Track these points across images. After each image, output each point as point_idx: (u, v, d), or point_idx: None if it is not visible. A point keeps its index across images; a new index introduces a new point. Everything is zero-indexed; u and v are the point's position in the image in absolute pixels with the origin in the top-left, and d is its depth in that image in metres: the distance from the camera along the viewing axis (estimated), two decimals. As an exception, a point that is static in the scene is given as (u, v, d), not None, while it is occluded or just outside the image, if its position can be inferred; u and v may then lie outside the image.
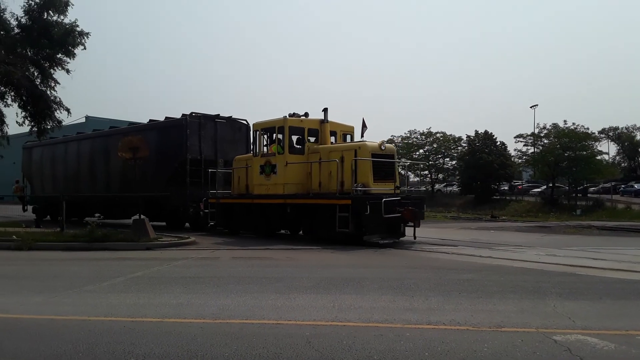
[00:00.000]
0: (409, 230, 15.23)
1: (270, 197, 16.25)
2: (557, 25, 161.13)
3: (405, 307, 6.73)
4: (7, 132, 20.74)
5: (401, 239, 15.47)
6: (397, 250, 13.90)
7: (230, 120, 20.82)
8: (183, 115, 19.70)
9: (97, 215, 23.17)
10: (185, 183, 19.02)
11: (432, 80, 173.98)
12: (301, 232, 16.66)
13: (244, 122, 20.86)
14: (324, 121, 16.25)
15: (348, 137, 17.14)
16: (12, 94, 18.95)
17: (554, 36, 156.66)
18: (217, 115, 19.92)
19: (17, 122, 19.60)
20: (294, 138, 16.43)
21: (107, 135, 23.19)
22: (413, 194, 16.56)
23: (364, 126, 16.45)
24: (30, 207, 27.49)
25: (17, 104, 19.13)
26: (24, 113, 19.26)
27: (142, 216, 15.59)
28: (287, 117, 16.04)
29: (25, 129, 20.50)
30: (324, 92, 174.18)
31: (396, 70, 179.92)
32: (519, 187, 55.87)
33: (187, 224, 19.37)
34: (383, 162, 14.96)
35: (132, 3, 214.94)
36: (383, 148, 15.05)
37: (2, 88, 18.71)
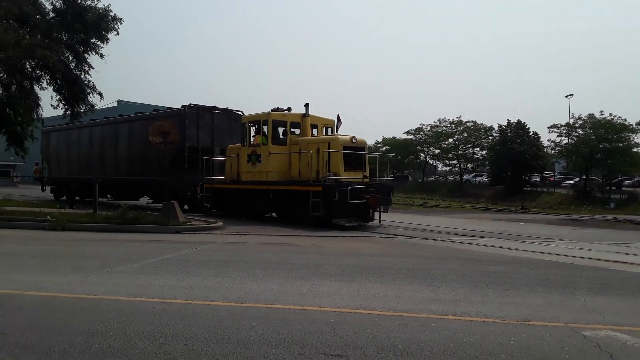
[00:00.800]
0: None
1: (256, 184, 17.79)
2: (596, 14, 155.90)
3: (431, 297, 6.70)
4: (42, 114, 21.27)
5: (370, 223, 16.97)
6: (423, 241, 13.83)
7: (227, 111, 22.04)
8: (182, 106, 20.93)
9: (108, 196, 24.88)
10: (184, 169, 20.46)
11: (466, 70, 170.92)
12: (274, 214, 18.55)
13: (240, 113, 21.72)
14: (305, 115, 17.71)
15: (329, 129, 18.31)
16: (48, 77, 19.38)
17: (590, 26, 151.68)
18: (214, 107, 21.09)
19: (51, 105, 20.06)
20: (281, 130, 17.92)
21: (116, 123, 24.63)
22: (382, 182, 17.80)
23: (338, 121, 17.94)
24: (48, 188, 29.86)
25: (52, 87, 19.56)
26: (58, 96, 19.69)
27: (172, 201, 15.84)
28: (271, 111, 17.54)
29: (59, 112, 21.00)
30: (352, 83, 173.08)
31: (429, 62, 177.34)
32: (551, 178, 54.63)
33: (185, 206, 20.54)
34: (353, 153, 16.45)
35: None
36: (354, 141, 16.54)
37: (38, 72, 19.15)
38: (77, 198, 25.53)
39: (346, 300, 6.37)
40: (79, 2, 18.74)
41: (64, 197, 27.33)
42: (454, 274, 8.45)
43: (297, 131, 17.77)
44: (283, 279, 7.77)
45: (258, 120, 18.04)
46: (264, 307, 6.01)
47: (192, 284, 7.28)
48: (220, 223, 16.12)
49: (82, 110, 20.25)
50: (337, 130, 17.98)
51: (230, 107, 22.14)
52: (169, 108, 22.50)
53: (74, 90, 19.44)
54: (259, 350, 4.48)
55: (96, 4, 18.97)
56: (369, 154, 17.94)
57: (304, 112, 17.76)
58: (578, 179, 48.82)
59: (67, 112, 20.39)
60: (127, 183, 23.01)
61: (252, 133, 18.28)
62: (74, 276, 7.63)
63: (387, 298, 6.59)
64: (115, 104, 59.51)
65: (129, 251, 10.62)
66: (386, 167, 19.04)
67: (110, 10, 19.14)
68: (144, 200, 23.56)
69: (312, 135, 17.88)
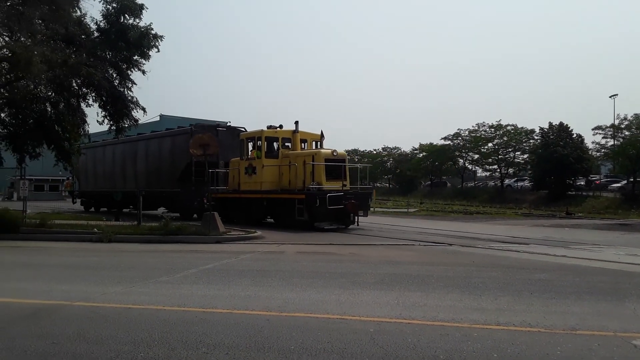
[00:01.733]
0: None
1: (252, 193, 20.01)
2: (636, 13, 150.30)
3: (472, 306, 6.57)
4: (88, 130, 22.08)
5: (351, 226, 18.82)
6: (464, 249, 13.60)
7: (230, 128, 24.17)
8: (190, 125, 23.86)
9: (130, 207, 27.61)
10: (192, 181, 22.39)
11: (506, 71, 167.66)
12: (271, 219, 20.64)
13: (243, 129, 23.45)
14: (295, 131, 19.88)
15: (318, 143, 20.50)
16: (93, 94, 20.10)
17: (633, 24, 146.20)
18: (218, 125, 23.77)
19: (97, 121, 20.76)
20: (275, 145, 20.15)
21: (135, 141, 27.04)
22: (363, 190, 19.86)
23: (322, 137, 20.32)
24: (78, 200, 33.49)
25: (97, 104, 20.26)
26: (103, 113, 20.38)
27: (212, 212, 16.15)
28: (264, 129, 20.00)
29: (104, 127, 21.74)
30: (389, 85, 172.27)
31: (465, 63, 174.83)
32: (597, 182, 52.68)
33: (195, 215, 22.16)
34: (334, 165, 18.53)
35: (202, 6, 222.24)
36: (335, 154, 18.82)
37: (84, 89, 19.90)
38: (105, 209, 29.17)
39: (385, 310, 6.34)
40: (122, 21, 19.39)
41: (92, 209, 30.70)
42: (496, 282, 8.28)
43: (290, 145, 20.10)
44: (322, 288, 7.79)
45: (254, 137, 20.37)
46: (303, 316, 6.04)
47: (233, 293, 7.39)
48: (259, 233, 16.33)
49: (126, 125, 20.88)
50: (320, 145, 20.19)
51: (233, 124, 24.50)
52: (179, 127, 25.28)
53: (119, 106, 20.07)
54: (299, 359, 4.51)
55: (138, 23, 19.60)
56: (349, 165, 19.93)
57: (294, 128, 19.85)
58: (625, 181, 46.88)
59: (112, 128, 21.08)
60: (153, 195, 24.35)
61: (250, 148, 20.56)
62: (120, 286, 7.87)
63: (428, 307, 6.51)
64: (158, 119, 61.37)
65: (172, 262, 10.88)
66: (365, 176, 21.55)
67: (152, 29, 19.69)
68: (161, 210, 25.66)
69: (303, 148, 19.92)
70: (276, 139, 19.96)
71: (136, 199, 24.78)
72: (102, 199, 30.50)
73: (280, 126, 20.17)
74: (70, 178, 35.02)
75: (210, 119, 62.56)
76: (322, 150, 19.14)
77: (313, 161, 18.11)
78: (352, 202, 17.72)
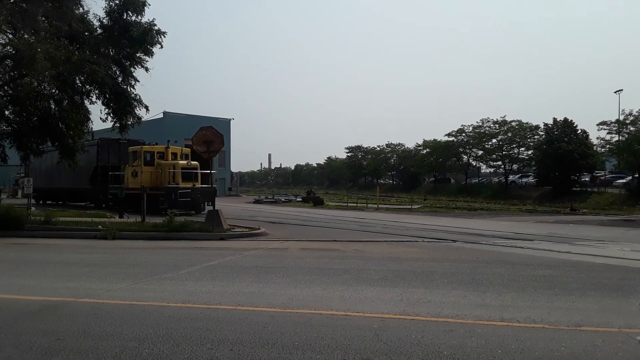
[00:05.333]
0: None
1: (136, 189, 25.01)
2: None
3: (476, 302, 6.57)
4: (92, 127, 22.09)
5: (202, 212, 24.88)
6: (468, 245, 13.59)
7: (130, 140, 29.69)
8: (98, 139, 29.48)
9: (60, 202, 36.25)
10: (97, 181, 30.49)
11: (510, 65, 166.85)
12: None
13: (142, 141, 30.73)
14: (167, 147, 27.85)
15: (187, 155, 27.81)
16: (97, 91, 20.12)
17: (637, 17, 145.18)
18: (120, 139, 27.97)
19: (100, 118, 20.79)
20: (153, 155, 27.46)
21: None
22: (209, 188, 24.58)
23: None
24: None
25: (100, 101, 20.28)
26: (107, 110, 20.40)
27: (215, 207, 16.19)
28: (144, 146, 28.49)
29: (108, 124, 21.73)
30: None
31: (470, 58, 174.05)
32: (602, 178, 52.44)
33: (103, 205, 29.80)
34: (188, 172, 26.33)
35: (205, 2, 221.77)
36: (189, 164, 26.76)
37: (87, 86, 19.91)
38: (49, 201, 36.79)
39: (389, 306, 6.33)
40: (125, 18, 19.37)
41: (41, 201, 37.43)
42: (500, 279, 8.26)
43: (170, 156, 27.74)
44: (325, 284, 7.79)
45: (137, 151, 27.65)
46: (307, 312, 6.05)
47: (237, 289, 7.41)
48: (262, 229, 16.37)
49: (129, 123, 20.90)
50: (189, 158, 27.56)
51: (133, 138, 29.49)
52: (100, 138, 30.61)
53: (122, 104, 20.08)
54: (303, 355, 4.52)
55: (140, 19, 19.58)
56: (200, 172, 26.91)
57: (167, 145, 27.93)
58: (630, 177, 46.64)
59: (115, 125, 21.11)
60: (72, 190, 34.28)
61: (135, 158, 27.53)
62: (125, 283, 7.90)
63: (432, 303, 6.51)
64: (161, 115, 61.36)
65: (176, 258, 10.90)
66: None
67: (155, 25, 19.68)
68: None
69: (174, 160, 27.46)
70: (152, 153, 27.57)
71: (68, 193, 34.97)
72: (48, 193, 37.69)
73: (156, 143, 29.05)
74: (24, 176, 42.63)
75: (213, 115, 62.71)
76: (179, 161, 27.13)
77: (174, 169, 26.21)
78: (198, 196, 25.71)
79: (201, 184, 26.52)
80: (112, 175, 29.06)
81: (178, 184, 25.58)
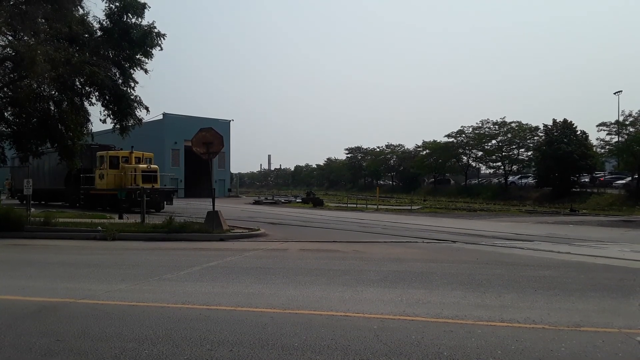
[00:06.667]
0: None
1: (103, 190, 30.01)
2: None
3: (476, 303, 6.56)
4: (91, 129, 22.07)
5: (162, 210, 28.30)
6: (467, 246, 13.59)
7: (102, 145, 32.50)
8: None
9: (43, 202, 38.32)
10: (71, 182, 33.10)
11: (510, 66, 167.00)
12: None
13: (112, 146, 32.90)
14: (131, 152, 30.68)
15: (150, 159, 31.91)
16: (97, 93, 20.11)
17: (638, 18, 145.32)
18: (91, 144, 29.41)
19: (100, 120, 20.79)
20: (119, 159, 30.46)
21: (45, 154, 32.33)
22: (167, 189, 29.76)
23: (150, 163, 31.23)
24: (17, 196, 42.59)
25: (100, 102, 20.26)
26: (107, 112, 20.39)
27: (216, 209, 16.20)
28: (110, 151, 31.02)
29: (108, 126, 21.75)
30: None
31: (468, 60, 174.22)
32: (601, 178, 52.44)
33: (77, 204, 32.87)
34: (148, 174, 29.67)
35: (205, 4, 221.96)
36: (149, 168, 30.31)
37: (87, 88, 19.90)
38: (43, 202, 38.35)
39: (389, 307, 6.33)
40: (125, 20, 19.36)
41: (25, 202, 39.54)
42: (500, 279, 8.27)
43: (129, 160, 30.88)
44: (325, 285, 7.79)
45: (103, 155, 30.64)
46: (307, 313, 6.04)
47: (237, 290, 7.41)
48: (262, 230, 16.36)
49: (130, 124, 20.88)
50: (151, 164, 31.54)
51: (104, 144, 32.61)
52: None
53: (122, 106, 20.06)
54: (303, 356, 4.52)
55: (140, 22, 19.56)
56: (160, 174, 31.27)
57: (130, 150, 30.62)
58: (630, 178, 46.66)
59: (116, 127, 21.10)
60: (50, 191, 37.04)
61: (102, 161, 30.51)
62: (124, 284, 7.90)
63: (431, 304, 6.51)
64: (161, 117, 61.34)
65: (176, 259, 10.90)
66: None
67: (155, 27, 19.66)
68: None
69: (137, 163, 30.49)
70: (117, 157, 30.54)
71: (48, 193, 37.43)
72: (32, 194, 39.04)
73: (121, 149, 31.38)
74: (9, 179, 46.15)
75: (212, 117, 62.66)
76: (140, 165, 30.36)
77: (135, 172, 29.43)
78: (156, 196, 28.54)
79: (159, 186, 30.73)
80: (84, 177, 32.12)
81: (139, 185, 28.32)
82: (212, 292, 7.30)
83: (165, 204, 29.90)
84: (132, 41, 19.44)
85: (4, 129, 20.48)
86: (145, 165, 30.34)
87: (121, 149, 31.64)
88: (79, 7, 18.70)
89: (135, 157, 30.96)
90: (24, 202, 38.58)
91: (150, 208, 26.71)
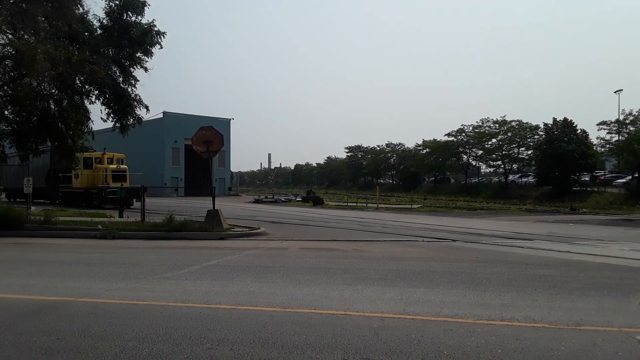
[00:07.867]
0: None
1: (78, 189, 33.15)
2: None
3: (476, 302, 6.57)
4: (92, 127, 22.07)
5: (131, 207, 30.08)
6: (467, 244, 13.59)
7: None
8: (50, 145, 32.14)
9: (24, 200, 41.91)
10: (50, 181, 35.52)
11: (509, 66, 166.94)
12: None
13: (91, 149, 33.38)
14: (104, 153, 33.68)
15: (122, 160, 34.96)
16: (96, 92, 20.11)
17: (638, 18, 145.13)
18: None
19: (101, 118, 20.81)
20: (93, 160, 33.37)
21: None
22: (135, 188, 28.99)
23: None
24: (4, 194, 43.42)
25: (100, 101, 20.27)
26: (107, 110, 20.40)
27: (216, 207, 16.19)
28: (85, 153, 30.29)
29: (109, 124, 21.73)
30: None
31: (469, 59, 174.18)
32: (601, 177, 52.44)
33: (57, 201, 35.51)
34: (117, 174, 32.81)
35: (205, 2, 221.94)
36: (119, 168, 33.53)
37: (87, 87, 19.89)
38: (19, 199, 37.90)
39: (389, 305, 6.33)
40: (125, 18, 19.36)
41: (12, 199, 40.43)
42: (500, 278, 8.27)
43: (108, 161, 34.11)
44: (325, 284, 7.79)
45: (78, 156, 29.33)
46: (307, 312, 6.04)
47: (237, 289, 7.41)
48: (262, 229, 16.37)
49: (130, 123, 20.89)
50: (122, 164, 34.66)
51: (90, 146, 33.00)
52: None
53: (122, 104, 20.08)
54: (303, 355, 4.52)
55: (140, 20, 19.55)
56: (129, 174, 34.07)
57: (103, 152, 33.62)
58: (630, 177, 46.67)
59: (116, 125, 21.09)
60: (35, 189, 36.86)
61: (80, 162, 30.74)
62: (124, 283, 7.90)
63: (431, 303, 6.51)
64: (161, 115, 61.31)
65: (176, 258, 10.90)
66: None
67: (154, 25, 19.65)
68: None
69: (110, 164, 33.56)
70: (91, 158, 33.13)
71: (32, 192, 38.99)
72: (15, 192, 40.34)
73: (94, 150, 33.18)
74: None
75: (213, 115, 62.66)
76: (110, 165, 33.48)
77: (106, 172, 32.58)
78: (126, 194, 28.62)
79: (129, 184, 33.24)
80: (62, 177, 34.82)
81: (109, 184, 31.43)
82: (212, 291, 7.30)
83: (134, 201, 31.68)
84: (132, 39, 19.44)
85: (4, 127, 20.49)
86: (115, 166, 33.55)
87: (94, 150, 33.53)
88: (79, 6, 18.68)
89: (107, 158, 33.83)
90: (11, 199, 41.05)
91: (119, 205, 27.73)
